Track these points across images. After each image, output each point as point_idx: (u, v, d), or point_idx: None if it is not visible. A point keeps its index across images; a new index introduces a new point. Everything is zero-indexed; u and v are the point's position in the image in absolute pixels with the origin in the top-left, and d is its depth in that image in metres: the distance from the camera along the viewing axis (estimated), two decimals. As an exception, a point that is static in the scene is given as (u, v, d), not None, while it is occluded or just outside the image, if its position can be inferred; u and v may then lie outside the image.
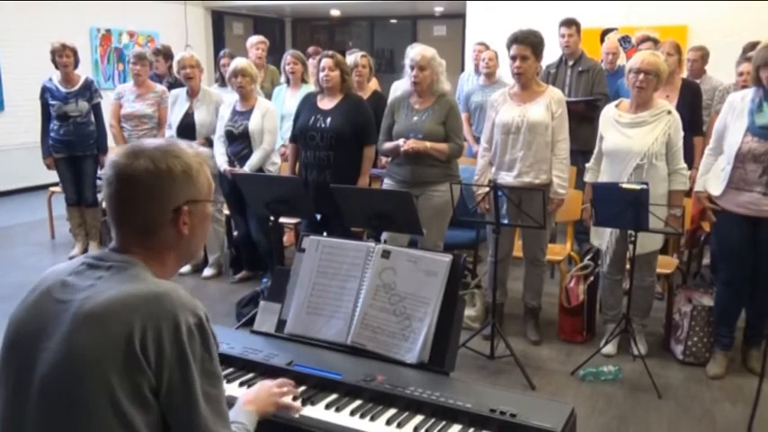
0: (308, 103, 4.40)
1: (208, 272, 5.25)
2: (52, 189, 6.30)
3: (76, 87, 5.51)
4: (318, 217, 4.22)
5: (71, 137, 5.50)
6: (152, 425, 1.19)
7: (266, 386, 1.66)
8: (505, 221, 3.74)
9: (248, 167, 4.64)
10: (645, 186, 3.30)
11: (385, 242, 3.38)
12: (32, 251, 5.83)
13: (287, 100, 5.50)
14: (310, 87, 4.92)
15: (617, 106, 3.76)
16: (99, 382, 1.15)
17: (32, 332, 1.24)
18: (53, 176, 5.89)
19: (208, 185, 1.37)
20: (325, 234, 4.13)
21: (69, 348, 1.18)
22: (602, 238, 3.81)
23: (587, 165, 3.91)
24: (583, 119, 4.86)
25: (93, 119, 5.60)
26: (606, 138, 3.71)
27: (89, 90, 5.56)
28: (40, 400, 1.20)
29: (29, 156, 6.28)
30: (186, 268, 5.27)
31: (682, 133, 3.62)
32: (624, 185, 3.36)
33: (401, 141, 3.84)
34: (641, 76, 3.55)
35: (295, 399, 1.71)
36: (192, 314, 1.22)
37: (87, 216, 5.74)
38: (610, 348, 3.77)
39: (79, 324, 1.19)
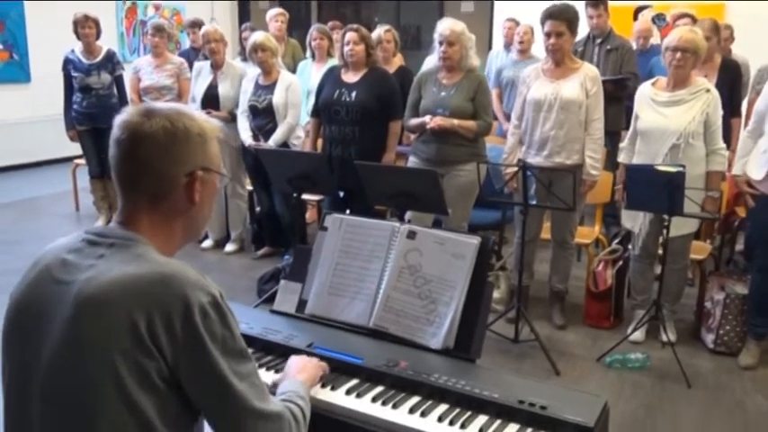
0: (332, 76, 4.31)
1: (230, 247, 5.24)
2: (77, 161, 6.32)
3: (99, 59, 5.48)
4: (341, 194, 4.17)
5: (94, 109, 5.49)
6: (162, 411, 1.14)
7: (304, 358, 1.63)
8: (534, 202, 3.66)
9: (272, 142, 4.62)
10: (681, 169, 3.18)
11: (409, 221, 3.32)
12: (57, 223, 5.87)
13: (312, 75, 5.41)
14: (336, 62, 4.83)
15: (653, 85, 3.63)
16: (104, 369, 1.10)
17: (34, 314, 1.19)
18: (78, 149, 5.90)
19: (218, 158, 1.32)
20: (348, 212, 4.15)
21: (72, 334, 1.13)
22: (636, 220, 3.71)
23: (621, 145, 3.81)
24: (611, 99, 4.68)
25: (115, 91, 5.59)
26: (641, 117, 3.59)
27: (111, 62, 5.53)
28: (46, 386, 1.16)
29: (54, 128, 6.28)
30: (208, 243, 5.29)
31: (721, 112, 3.48)
32: (659, 167, 3.25)
33: (427, 118, 3.76)
34: (678, 54, 3.41)
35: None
36: (203, 293, 1.16)
37: (110, 188, 5.74)
38: (638, 335, 3.69)
39: (80, 309, 1.13)
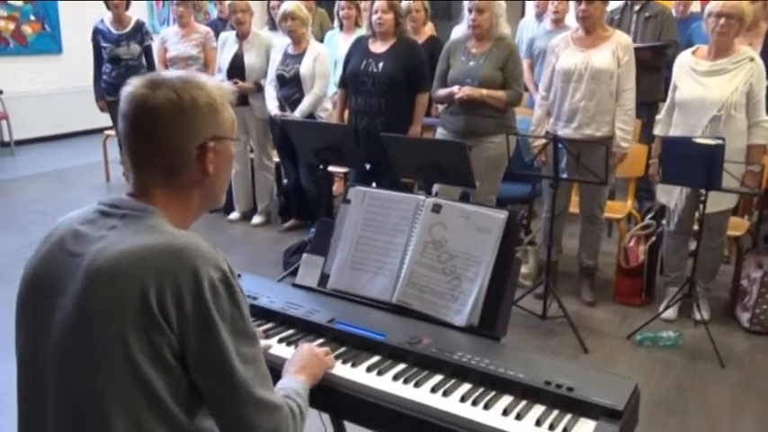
0: (359, 46, 4.25)
1: (257, 219, 5.25)
2: (107, 132, 6.37)
3: (128, 29, 5.48)
4: (368, 166, 4.14)
5: (123, 80, 5.32)
6: (173, 388, 1.12)
7: (310, 351, 1.57)
8: (564, 176, 3.61)
9: (299, 112, 4.59)
10: (720, 141, 3.05)
11: (436, 194, 3.28)
12: (87, 194, 5.93)
13: (340, 45, 5.34)
14: (364, 32, 4.74)
15: (693, 53, 3.50)
16: (115, 342, 1.08)
17: (47, 287, 1.17)
18: (108, 120, 5.93)
19: (231, 122, 1.28)
20: (374, 185, 4.12)
21: (83, 307, 1.11)
22: (671, 194, 3.62)
23: (658, 117, 3.71)
24: (648, 68, 4.58)
25: (144, 61, 5.59)
26: (680, 87, 3.48)
27: (140, 32, 5.52)
28: (57, 359, 1.14)
29: (85, 99, 6.32)
30: (235, 215, 5.30)
31: (765, 83, 3.33)
32: (697, 140, 3.14)
33: (455, 88, 3.71)
34: (722, 21, 3.26)
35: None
36: (214, 268, 1.13)
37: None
38: (670, 313, 3.61)
39: (91, 281, 1.11)
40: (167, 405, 1.11)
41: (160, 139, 1.19)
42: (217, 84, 1.26)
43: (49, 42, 8.17)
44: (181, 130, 1.19)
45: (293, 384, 1.39)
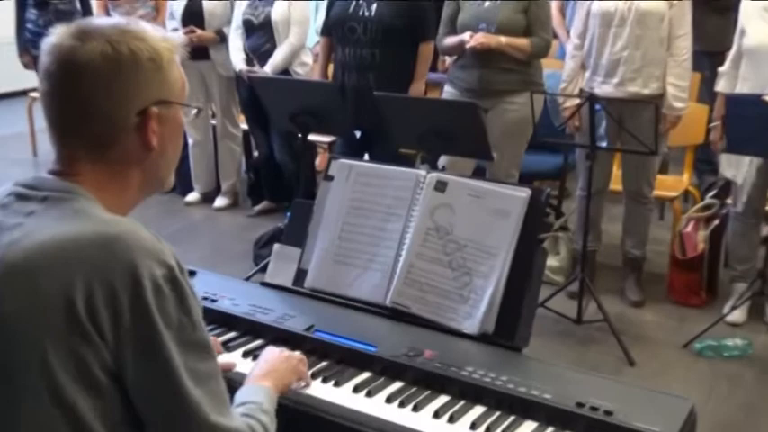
0: (348, -16, 4.21)
1: (220, 201, 5.25)
2: (33, 95, 6.33)
3: (55, -36, 5.44)
4: (358, 134, 4.13)
5: (53, 28, 5.45)
6: (105, 414, 1.10)
7: (279, 354, 1.59)
8: (603, 144, 3.60)
9: (270, 68, 4.59)
10: (800, 99, 3.04)
11: (443, 169, 3.27)
12: (10, 171, 5.89)
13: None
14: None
15: (766, -10, 3.46)
16: (30, 356, 1.07)
17: None
18: (35, 79, 5.89)
19: (180, 83, 1.27)
20: (366, 157, 4.12)
21: None
22: (738, 167, 3.61)
23: (720, 69, 3.70)
24: (711, 9, 4.61)
25: (78, 5, 5.58)
26: (748, 32, 3.47)
27: (72, -31, 5.49)
28: None
29: (6, 53, 6.29)
30: (193, 196, 5.30)
31: None
32: (770, 98, 3.12)
33: (467, 36, 3.68)
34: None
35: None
36: (158, 263, 1.11)
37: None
38: (737, 315, 3.62)
39: (3, 280, 1.10)
40: None
41: (89, 102, 1.17)
42: (162, 35, 1.25)
43: (-41, -18, 8.13)
44: (116, 92, 1.18)
45: (256, 396, 1.38)
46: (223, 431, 1.16)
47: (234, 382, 1.47)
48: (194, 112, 1.40)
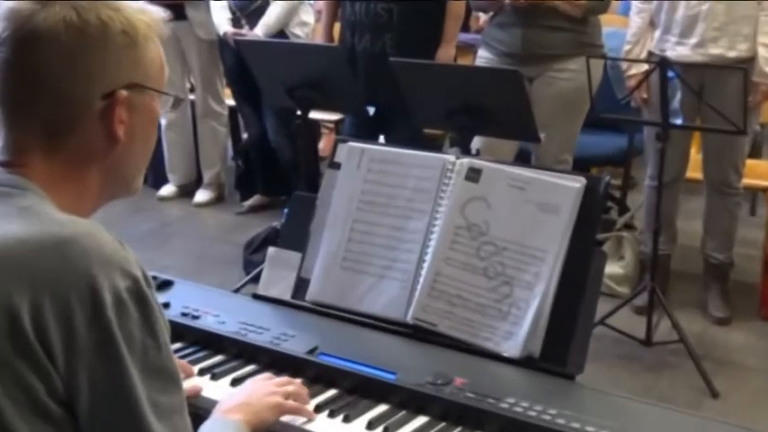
0: (357, -76, 4.23)
1: (202, 196, 5.31)
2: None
3: None
4: (371, 111, 4.14)
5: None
6: None
7: (260, 384, 1.63)
8: (678, 121, 3.61)
9: (262, 29, 4.64)
10: None
11: (477, 153, 3.28)
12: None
13: None
14: None
15: None
16: None
17: None
18: None
19: (158, 66, 1.30)
20: (381, 139, 4.13)
21: None
22: None
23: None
24: None
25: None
26: None
27: None
28: None
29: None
30: (168, 189, 5.33)
31: None
32: None
33: (507, -13, 3.70)
34: None
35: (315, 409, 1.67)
36: (121, 273, 1.14)
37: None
38: None
39: None
40: None
41: (45, 77, 1.20)
42: (141, 6, 1.28)
43: None
44: (78, 68, 1.21)
45: (223, 430, 1.43)
46: None
47: (202, 410, 1.52)
48: (172, 102, 1.42)
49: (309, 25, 4.82)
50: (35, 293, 1.09)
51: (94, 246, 1.13)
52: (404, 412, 1.65)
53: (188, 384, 1.61)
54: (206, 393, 1.70)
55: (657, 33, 3.78)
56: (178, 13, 4.83)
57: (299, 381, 1.69)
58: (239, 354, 1.85)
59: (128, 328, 1.13)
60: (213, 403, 1.59)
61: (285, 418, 1.60)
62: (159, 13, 1.33)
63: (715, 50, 3.62)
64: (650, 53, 3.75)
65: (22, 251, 1.12)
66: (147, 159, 1.37)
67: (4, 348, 1.08)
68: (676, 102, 3.62)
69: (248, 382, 1.64)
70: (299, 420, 1.61)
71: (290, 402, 1.61)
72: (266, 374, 1.70)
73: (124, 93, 1.24)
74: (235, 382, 1.76)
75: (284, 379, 1.68)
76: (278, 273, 2.07)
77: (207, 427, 1.44)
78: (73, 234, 1.14)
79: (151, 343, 1.16)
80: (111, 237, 1.17)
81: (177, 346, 1.83)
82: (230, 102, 5.27)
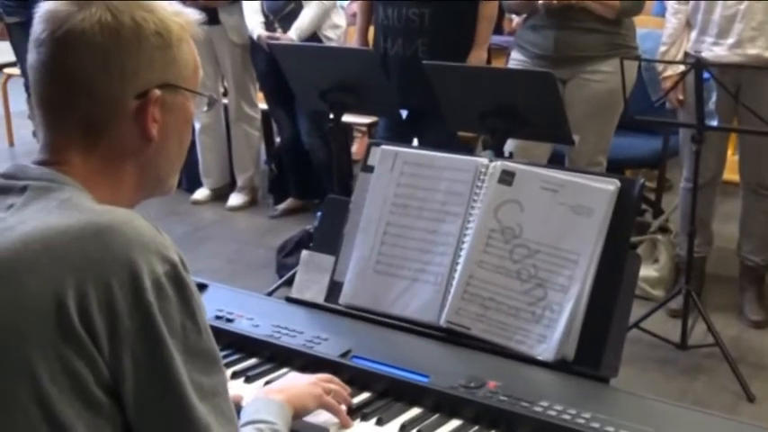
0: (390, -72, 4.24)
1: (235, 199, 5.33)
2: (8, 71, 6.48)
3: None
4: (404, 114, 4.15)
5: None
6: None
7: (304, 376, 1.66)
8: (714, 123, 3.58)
9: (296, 33, 4.66)
10: None
11: (510, 156, 3.28)
12: (-20, 165, 6.06)
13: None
14: None
15: None
16: (15, 370, 1.11)
17: None
18: (10, 53, 6.02)
19: (192, 68, 1.33)
20: (415, 142, 4.13)
21: None
22: None
23: None
24: None
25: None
26: None
27: None
28: None
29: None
30: (202, 193, 5.36)
31: None
32: None
33: (540, -11, 3.71)
34: None
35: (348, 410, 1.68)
36: (159, 258, 1.16)
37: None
38: None
39: None
40: None
41: (82, 77, 1.23)
42: (176, 8, 1.31)
43: None
44: (113, 68, 1.23)
45: (267, 413, 1.44)
46: None
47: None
48: (207, 102, 1.45)
49: (341, 28, 4.84)
50: (79, 281, 1.11)
51: (133, 232, 1.16)
52: (437, 415, 1.65)
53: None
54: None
55: (694, 34, 3.76)
56: (211, 17, 4.86)
57: (332, 380, 1.69)
58: (273, 357, 1.87)
59: (167, 311, 1.15)
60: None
61: (320, 420, 1.61)
62: (193, 14, 1.35)
63: (753, 51, 3.59)
64: (686, 54, 3.73)
65: (63, 241, 1.14)
66: (182, 159, 1.39)
67: (52, 336, 1.11)
68: (712, 103, 3.61)
69: (292, 374, 1.68)
70: (333, 423, 1.62)
71: (331, 399, 1.63)
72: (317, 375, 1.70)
73: (157, 92, 1.27)
74: (268, 384, 1.76)
75: (327, 376, 1.70)
76: (311, 276, 2.08)
77: (251, 407, 1.47)
78: (112, 221, 1.17)
79: (191, 326, 1.18)
80: (148, 223, 1.19)
81: (211, 349, 1.85)
82: (263, 106, 5.29)
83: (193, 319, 1.19)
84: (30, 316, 1.11)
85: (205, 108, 1.45)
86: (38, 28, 1.25)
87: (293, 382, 1.61)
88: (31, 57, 1.26)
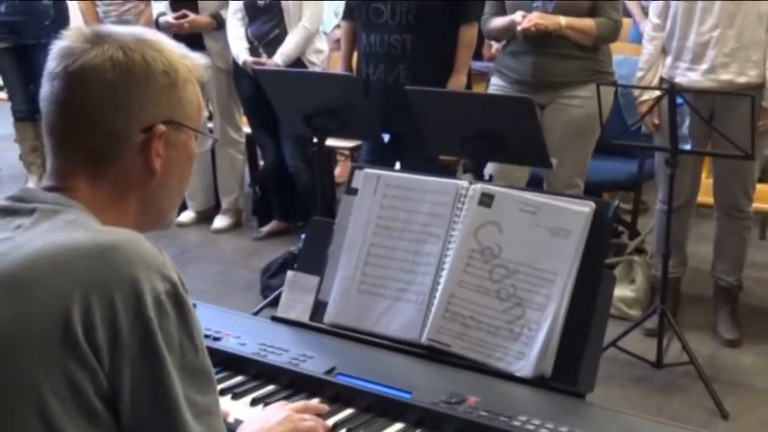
0: (373, -42, 4.28)
1: (220, 222, 5.34)
2: (-5, 95, 6.46)
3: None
4: (386, 138, 4.15)
5: (17, 16, 5.62)
6: None
7: (278, 410, 1.66)
8: (688, 147, 3.61)
9: (280, 58, 4.67)
10: None
11: (489, 179, 3.30)
12: (-35, 188, 6.05)
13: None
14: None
15: None
16: (18, 382, 1.14)
17: None
18: (-4, 77, 6.03)
19: (196, 108, 1.38)
20: (397, 165, 4.15)
21: None
22: None
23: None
24: None
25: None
26: None
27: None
28: None
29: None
30: (187, 215, 5.36)
31: None
32: None
33: (518, 15, 3.73)
34: None
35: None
36: (160, 277, 1.19)
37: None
38: None
39: None
40: None
41: (92, 109, 1.28)
42: (183, 51, 1.36)
43: None
44: (122, 102, 1.28)
45: None
46: None
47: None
48: (211, 142, 1.49)
49: (324, 53, 4.86)
50: (84, 297, 1.14)
51: (136, 251, 1.19)
52: (419, 430, 1.66)
53: None
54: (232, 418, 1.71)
55: (669, 60, 3.79)
56: (197, 43, 4.88)
57: (316, 407, 1.70)
58: (259, 374, 1.87)
59: (167, 328, 1.18)
60: (234, 424, 1.62)
61: None
62: (200, 59, 1.41)
63: (725, 76, 3.63)
64: (662, 79, 3.77)
65: (70, 258, 1.17)
66: (182, 195, 1.45)
67: (56, 349, 1.13)
68: (686, 127, 3.63)
69: (268, 410, 1.67)
70: None
71: (307, 425, 1.63)
72: (281, 403, 1.72)
73: (162, 128, 1.32)
74: (255, 402, 1.78)
75: (301, 404, 1.70)
76: (296, 296, 2.09)
77: None
78: (116, 241, 1.20)
79: (188, 344, 1.21)
80: (150, 243, 1.23)
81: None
82: (247, 129, 5.30)
83: (191, 338, 1.22)
84: (36, 329, 1.14)
85: (206, 147, 1.49)
86: (52, 63, 1.30)
87: (269, 422, 1.60)
88: (45, 89, 1.30)
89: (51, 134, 1.31)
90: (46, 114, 1.31)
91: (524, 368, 1.79)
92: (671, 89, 3.40)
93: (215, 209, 5.41)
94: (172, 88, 1.32)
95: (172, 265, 1.23)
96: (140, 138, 1.30)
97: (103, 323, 1.14)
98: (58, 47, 1.30)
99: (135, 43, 1.30)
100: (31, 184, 5.72)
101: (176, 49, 1.35)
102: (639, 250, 4.24)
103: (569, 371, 1.77)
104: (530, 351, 1.79)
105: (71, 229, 1.22)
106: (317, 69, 4.78)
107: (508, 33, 3.86)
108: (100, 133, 1.29)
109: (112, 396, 1.16)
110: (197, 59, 1.39)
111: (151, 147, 1.31)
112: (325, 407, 1.72)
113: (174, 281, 1.21)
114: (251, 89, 4.76)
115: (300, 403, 1.71)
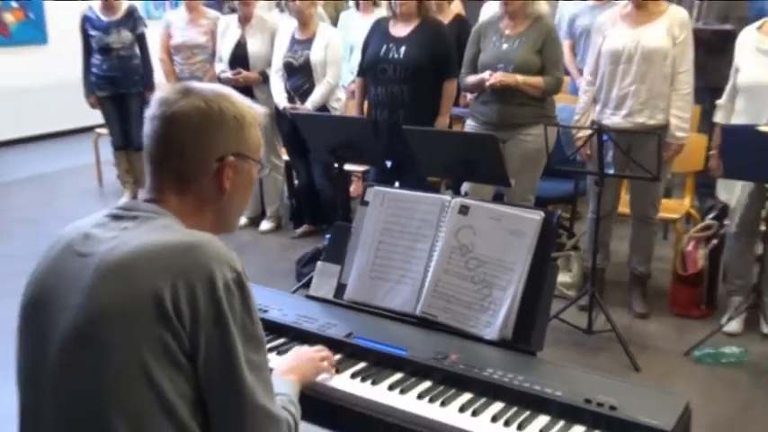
0: (379, 30, 4.29)
1: (266, 225, 5.33)
2: (99, 131, 6.47)
3: (119, 16, 5.57)
4: (389, 164, 4.18)
5: (115, 72, 5.60)
6: (185, 393, 1.19)
7: (304, 352, 1.70)
8: (611, 171, 3.63)
9: (310, 104, 4.68)
10: (789, 130, 3.06)
11: (465, 194, 3.32)
12: (78, 200, 6.07)
13: (356, 27, 5.40)
14: (384, 12, 4.81)
15: (759, 29, 3.50)
16: (124, 343, 1.17)
17: (53, 289, 1.26)
18: (100, 117, 6.03)
19: (257, 145, 1.40)
20: (397, 184, 4.17)
21: (91, 305, 1.20)
22: (732, 191, 3.64)
23: (718, 102, 3.71)
24: (714, 49, 4.53)
25: (137, 51, 5.67)
26: (743, 69, 3.50)
27: (132, 18, 5.61)
28: (62, 363, 1.22)
29: (74, 94, 6.39)
30: (242, 220, 5.35)
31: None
32: (762, 128, 3.14)
33: (487, 74, 3.74)
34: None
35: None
36: (229, 268, 1.22)
37: (135, 161, 5.87)
38: (734, 326, 3.61)
39: (101, 278, 1.20)
40: (179, 411, 1.18)
41: (179, 143, 1.31)
42: (250, 103, 1.40)
43: (34, 32, 8.34)
44: (202, 139, 1.32)
45: (285, 388, 1.47)
46: (267, 414, 1.25)
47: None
48: (267, 171, 1.53)
49: (342, 100, 4.87)
50: (173, 282, 1.17)
51: (212, 249, 1.22)
52: (414, 378, 1.70)
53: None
54: (272, 364, 1.71)
55: (598, 107, 3.79)
56: (248, 93, 4.86)
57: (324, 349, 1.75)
58: (296, 337, 1.90)
59: (233, 305, 1.21)
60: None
61: (325, 380, 1.67)
62: (261, 109, 1.43)
63: (640, 119, 3.63)
64: (593, 122, 3.77)
65: (164, 252, 1.20)
66: (243, 208, 1.47)
67: (152, 320, 1.16)
68: (609, 157, 3.65)
69: (296, 350, 1.72)
70: (333, 380, 1.68)
71: (324, 364, 1.69)
72: (314, 347, 1.75)
73: (232, 158, 1.34)
74: (281, 364, 1.77)
75: (320, 347, 1.75)
76: (324, 280, 2.11)
77: (275, 384, 1.48)
78: (198, 240, 1.23)
79: (247, 318, 1.24)
80: (222, 243, 1.26)
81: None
82: (286, 157, 5.29)
83: (249, 313, 1.24)
84: (136, 303, 1.17)
85: (264, 174, 1.51)
86: (153, 107, 1.33)
87: (298, 362, 1.63)
88: (146, 127, 1.33)
89: (150, 160, 1.34)
90: (147, 146, 1.34)
91: (491, 333, 1.81)
92: (599, 129, 3.42)
93: (262, 215, 5.40)
94: (240, 129, 1.35)
95: (238, 259, 1.25)
96: (215, 165, 1.33)
97: (187, 302, 1.17)
98: (157, 96, 1.33)
99: (214, 96, 1.33)
100: (125, 199, 5.78)
101: (244, 101, 1.38)
102: (575, 247, 4.25)
103: (525, 335, 1.80)
104: (495, 321, 1.82)
105: (164, 231, 1.25)
106: (338, 113, 4.78)
107: (479, 87, 3.86)
108: (186, 161, 1.32)
109: (192, 353, 1.19)
110: (259, 109, 1.41)
111: (223, 172, 1.34)
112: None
113: (239, 271, 1.24)
114: (289, 128, 4.77)
115: (319, 346, 1.76)
